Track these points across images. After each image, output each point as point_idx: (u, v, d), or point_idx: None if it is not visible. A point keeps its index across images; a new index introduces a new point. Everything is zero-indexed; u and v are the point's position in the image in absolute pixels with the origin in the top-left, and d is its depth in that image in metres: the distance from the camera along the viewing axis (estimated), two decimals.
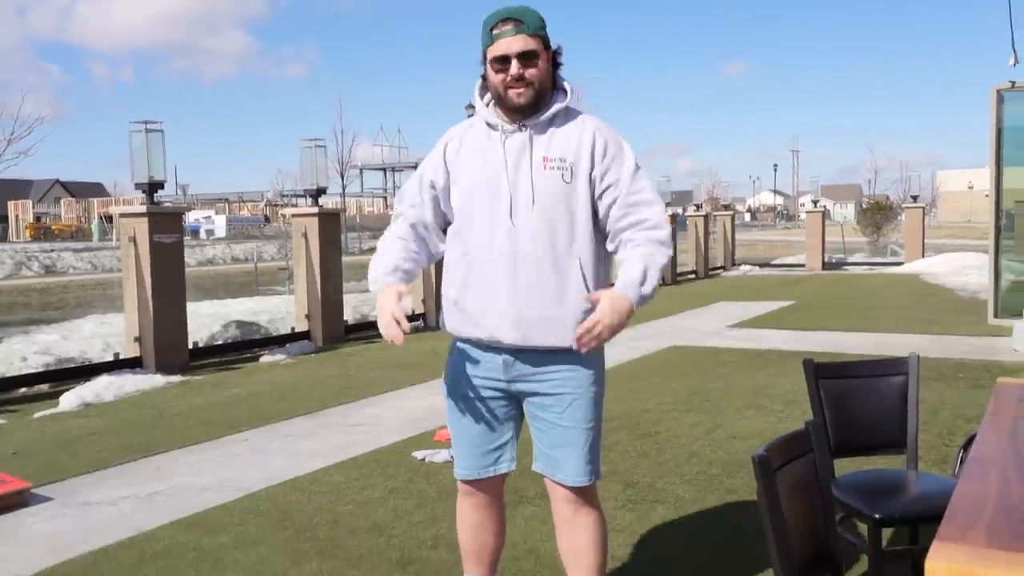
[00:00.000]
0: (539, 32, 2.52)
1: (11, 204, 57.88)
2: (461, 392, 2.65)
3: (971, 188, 75.03)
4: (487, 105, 2.63)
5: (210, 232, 48.08)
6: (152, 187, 8.65)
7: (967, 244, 29.41)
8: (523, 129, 2.55)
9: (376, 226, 49.25)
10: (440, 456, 5.07)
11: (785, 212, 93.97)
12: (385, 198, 72.46)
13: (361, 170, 62.79)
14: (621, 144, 2.61)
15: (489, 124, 2.60)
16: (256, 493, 4.56)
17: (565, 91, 2.61)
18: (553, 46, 2.57)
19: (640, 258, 2.50)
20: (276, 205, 58.00)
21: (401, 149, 68.24)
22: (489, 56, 2.52)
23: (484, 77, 2.60)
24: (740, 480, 4.54)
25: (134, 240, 8.45)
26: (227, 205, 66.26)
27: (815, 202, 24.58)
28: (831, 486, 2.43)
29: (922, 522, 2.77)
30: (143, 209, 8.49)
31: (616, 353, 8.15)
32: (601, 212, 2.57)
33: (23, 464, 5.17)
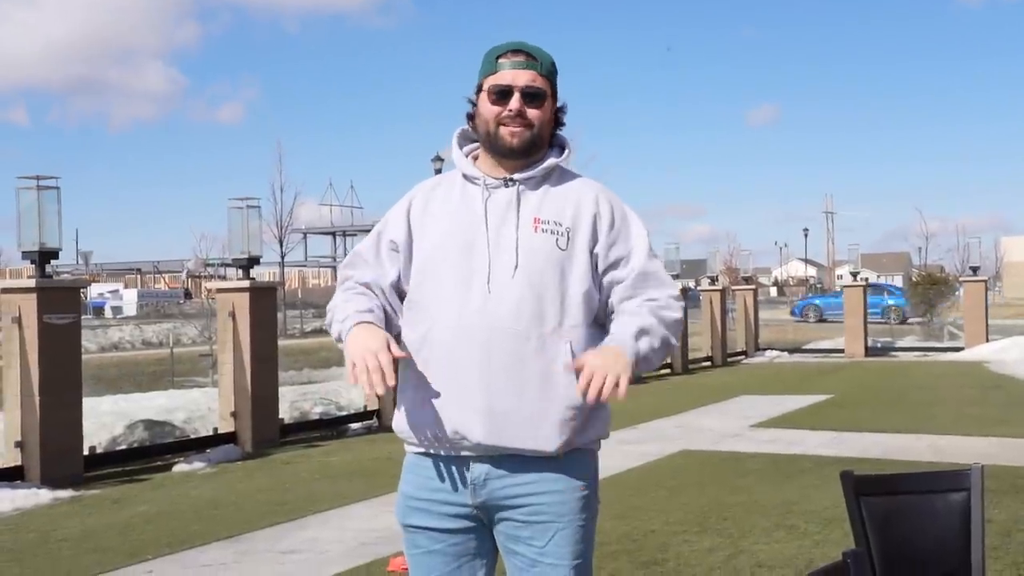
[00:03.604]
0: (550, 75, 2.60)
1: None
2: (419, 524, 2.57)
3: None
4: (467, 157, 2.65)
5: (117, 310, 47.84)
6: (44, 256, 8.61)
7: None
8: (510, 184, 2.56)
9: (323, 302, 49.21)
10: None
11: (819, 286, 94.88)
12: (334, 268, 72.66)
13: (305, 234, 62.95)
14: (628, 214, 2.64)
15: (468, 177, 2.60)
16: None
17: (563, 149, 2.66)
18: (559, 102, 2.64)
19: (635, 318, 2.50)
20: (199, 277, 57.99)
21: (354, 209, 68.65)
22: (488, 85, 2.55)
23: (470, 117, 2.63)
24: None
25: (19, 321, 8.37)
26: (139, 277, 66.20)
27: (855, 274, 24.85)
28: None
29: None
30: (31, 283, 8.44)
31: (614, 459, 8.09)
32: (602, 293, 2.57)
33: None
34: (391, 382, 2.35)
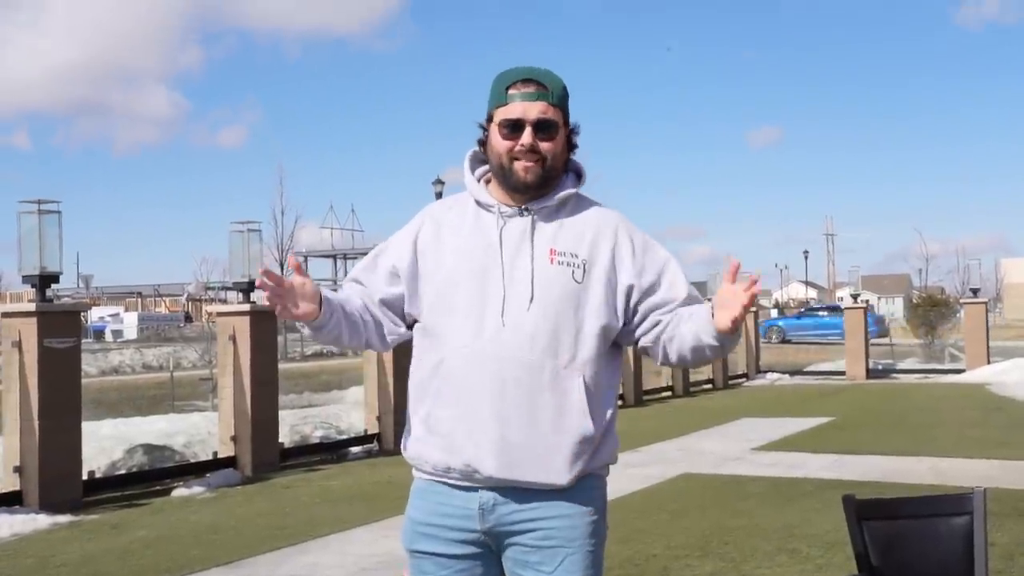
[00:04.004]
0: (562, 103, 2.57)
1: None
2: (426, 549, 2.56)
3: None
4: (479, 181, 2.63)
5: (118, 333, 47.83)
6: (44, 280, 8.62)
7: None
8: (525, 213, 2.55)
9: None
10: None
11: (818, 308, 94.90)
12: (335, 291, 72.62)
13: (306, 257, 63.07)
14: (648, 240, 2.63)
15: (481, 203, 2.59)
16: None
17: (579, 175, 2.65)
18: (572, 122, 2.61)
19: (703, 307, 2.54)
20: (200, 300, 58.01)
21: (355, 232, 68.75)
22: (499, 118, 2.53)
23: (481, 143, 2.62)
24: None
25: (19, 345, 8.37)
26: (140, 300, 66.21)
27: (855, 296, 24.89)
28: None
29: None
30: (31, 307, 8.44)
31: (617, 482, 8.01)
32: (641, 316, 2.58)
33: None
34: (272, 282, 2.42)
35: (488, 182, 2.64)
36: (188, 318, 56.20)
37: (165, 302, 67.04)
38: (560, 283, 2.50)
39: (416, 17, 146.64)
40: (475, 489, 2.50)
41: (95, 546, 6.96)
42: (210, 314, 24.98)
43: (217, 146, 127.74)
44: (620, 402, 2.70)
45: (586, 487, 2.54)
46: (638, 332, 2.59)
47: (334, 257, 70.91)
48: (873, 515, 3.14)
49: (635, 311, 2.57)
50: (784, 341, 39.38)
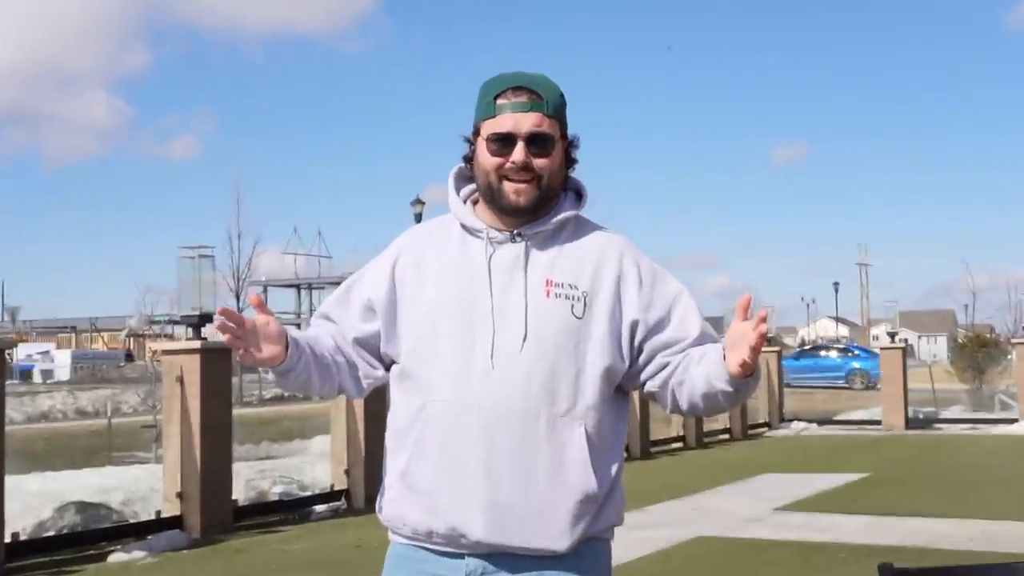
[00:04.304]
0: (558, 113, 2.57)
1: None
2: None
3: None
4: (465, 202, 2.64)
5: (48, 374, 47.94)
6: None
7: None
8: (517, 239, 2.55)
9: None
10: None
11: (851, 348, 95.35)
12: (298, 325, 72.71)
13: (265, 287, 63.20)
14: (658, 270, 2.65)
15: (467, 228, 2.60)
16: None
17: (579, 195, 2.67)
18: (569, 135, 2.63)
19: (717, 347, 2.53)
20: (144, 336, 58.02)
21: (322, 259, 68.99)
22: (487, 131, 2.53)
23: (467, 159, 2.63)
24: None
25: None
26: (74, 336, 66.28)
27: (892, 335, 25.05)
28: None
29: None
30: None
31: (622, 547, 8.07)
32: (646, 356, 2.58)
33: None
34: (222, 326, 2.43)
35: (476, 203, 2.65)
36: (129, 356, 56.39)
37: (103, 338, 67.14)
38: (558, 319, 2.51)
39: (392, 14, 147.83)
40: (461, 556, 2.50)
41: None
42: (155, 352, 24.97)
43: (165, 159, 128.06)
44: (625, 454, 2.72)
45: (588, 553, 2.54)
46: (644, 375, 2.61)
47: (298, 287, 71.10)
48: None
49: (640, 350, 2.58)
50: (786, 385, 39.78)
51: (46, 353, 52.57)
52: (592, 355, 2.52)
